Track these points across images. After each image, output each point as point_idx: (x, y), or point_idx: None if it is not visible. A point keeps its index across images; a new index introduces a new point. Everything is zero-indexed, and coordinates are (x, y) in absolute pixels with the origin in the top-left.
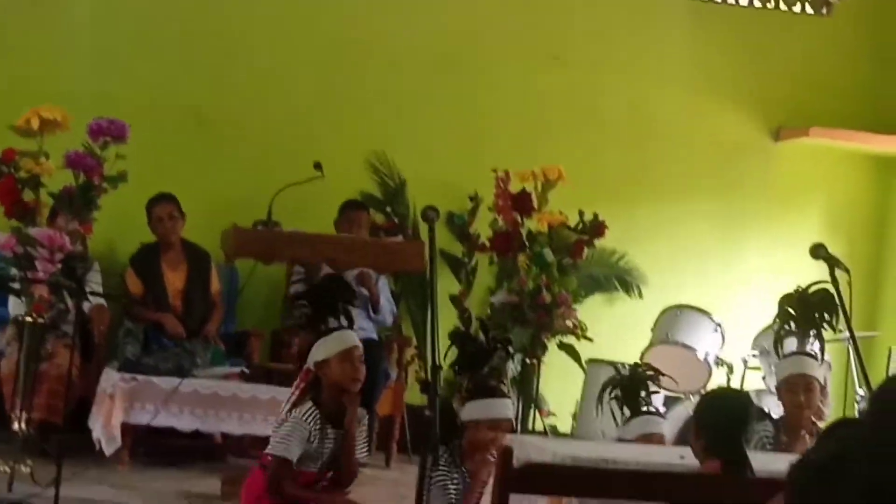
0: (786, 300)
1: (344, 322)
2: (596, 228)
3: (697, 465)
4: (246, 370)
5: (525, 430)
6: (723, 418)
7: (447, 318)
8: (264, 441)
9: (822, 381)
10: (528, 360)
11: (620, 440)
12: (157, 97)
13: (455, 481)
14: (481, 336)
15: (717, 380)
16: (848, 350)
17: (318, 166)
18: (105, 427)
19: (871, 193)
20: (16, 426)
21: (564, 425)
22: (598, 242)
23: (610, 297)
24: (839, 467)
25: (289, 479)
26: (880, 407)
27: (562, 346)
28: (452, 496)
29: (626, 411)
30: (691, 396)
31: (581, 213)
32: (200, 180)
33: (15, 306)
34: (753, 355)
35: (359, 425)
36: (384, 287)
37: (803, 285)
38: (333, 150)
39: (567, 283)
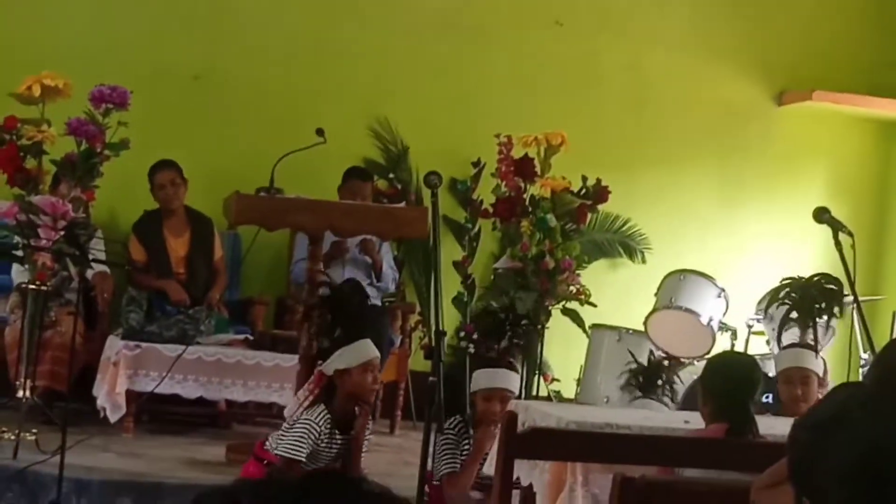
0: (787, 286)
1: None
2: (599, 193)
3: (701, 428)
4: (250, 337)
5: (529, 396)
6: (729, 382)
7: (450, 285)
8: (268, 407)
9: (821, 373)
10: (531, 326)
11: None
12: (158, 63)
13: (465, 450)
14: (499, 312)
15: (722, 345)
16: (852, 314)
17: (320, 132)
18: (109, 395)
19: (875, 157)
20: (20, 394)
21: (568, 391)
22: (601, 207)
23: (613, 263)
24: (839, 427)
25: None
26: (883, 367)
27: (565, 311)
28: (458, 465)
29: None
30: (695, 362)
31: (584, 179)
32: (202, 147)
33: (18, 274)
34: (757, 320)
35: (366, 432)
36: (387, 254)
37: (809, 251)
38: (335, 116)
39: (570, 248)
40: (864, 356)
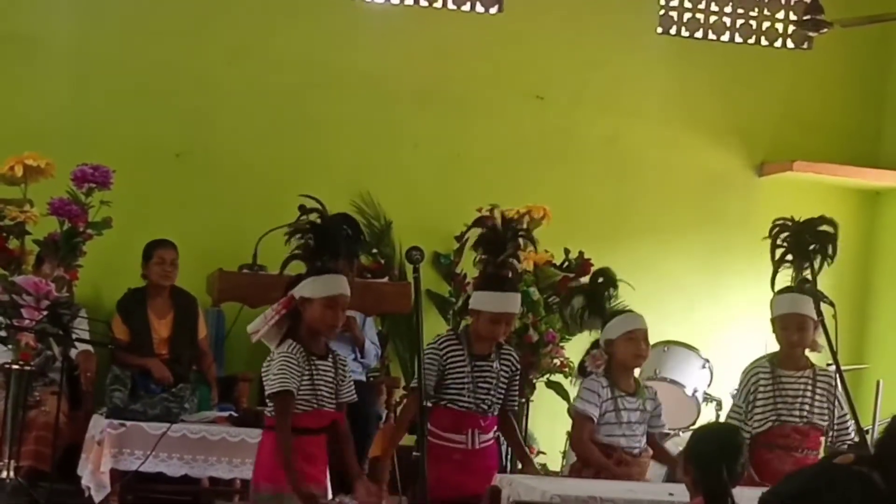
0: (780, 229)
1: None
2: (581, 266)
3: (686, 502)
4: (234, 414)
5: (515, 469)
6: (710, 453)
7: None
8: None
9: (816, 316)
10: None
11: (606, 341)
12: (140, 141)
13: (461, 359)
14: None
15: (706, 416)
16: (835, 384)
17: (302, 209)
18: (94, 474)
19: (856, 227)
20: (4, 474)
21: (554, 464)
22: (583, 280)
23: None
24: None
25: (290, 414)
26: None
27: (550, 384)
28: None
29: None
30: (680, 433)
31: (566, 251)
32: (185, 224)
33: (1, 354)
34: None
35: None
36: (370, 329)
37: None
38: (318, 192)
39: (553, 321)
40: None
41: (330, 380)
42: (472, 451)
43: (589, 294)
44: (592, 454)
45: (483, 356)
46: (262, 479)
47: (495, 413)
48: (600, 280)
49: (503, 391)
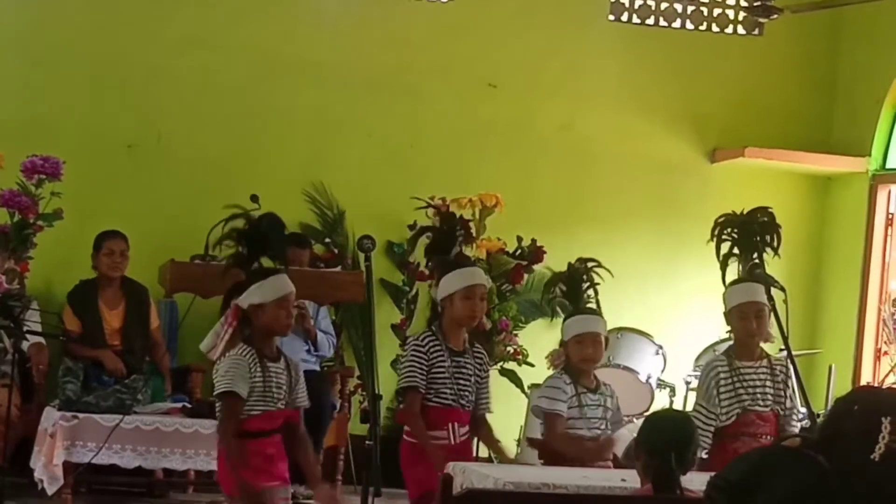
0: (724, 224)
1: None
2: (534, 254)
3: (638, 487)
4: (188, 405)
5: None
6: (660, 440)
7: (389, 347)
8: (208, 475)
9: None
10: None
11: (562, 341)
12: (91, 132)
13: (441, 354)
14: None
15: (660, 402)
16: (787, 369)
17: (254, 198)
18: (47, 466)
19: (808, 212)
20: None
21: (509, 452)
22: (537, 267)
23: (550, 322)
24: (756, 489)
25: (236, 416)
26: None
27: (503, 372)
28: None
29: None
30: (634, 419)
31: (519, 239)
32: (137, 215)
33: None
34: (695, 376)
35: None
36: (324, 318)
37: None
38: (270, 181)
39: (507, 308)
40: (801, 410)
41: (283, 382)
42: (453, 445)
43: (566, 281)
44: (570, 445)
45: (458, 352)
46: (235, 492)
47: (471, 408)
48: (579, 270)
49: (476, 387)
